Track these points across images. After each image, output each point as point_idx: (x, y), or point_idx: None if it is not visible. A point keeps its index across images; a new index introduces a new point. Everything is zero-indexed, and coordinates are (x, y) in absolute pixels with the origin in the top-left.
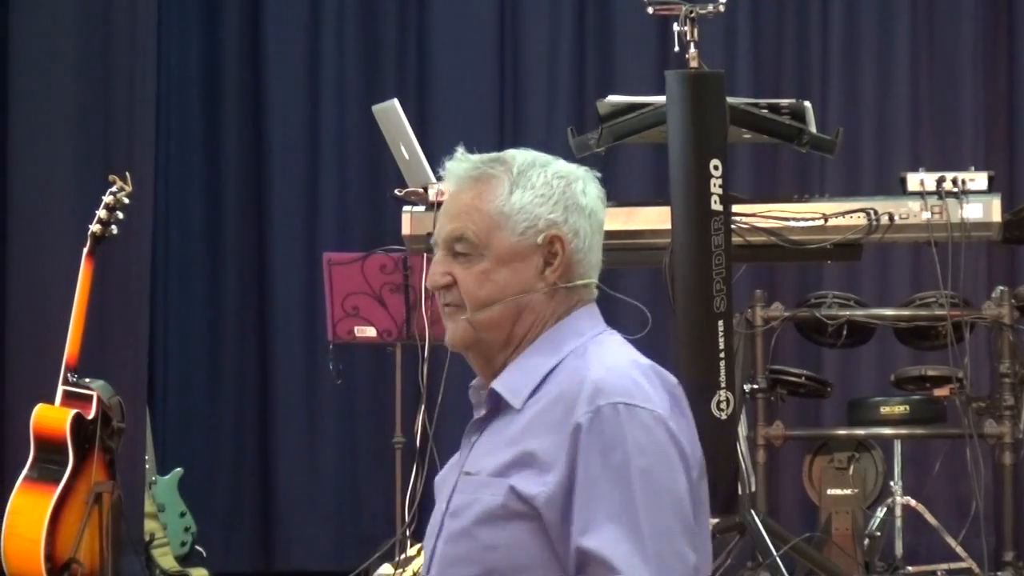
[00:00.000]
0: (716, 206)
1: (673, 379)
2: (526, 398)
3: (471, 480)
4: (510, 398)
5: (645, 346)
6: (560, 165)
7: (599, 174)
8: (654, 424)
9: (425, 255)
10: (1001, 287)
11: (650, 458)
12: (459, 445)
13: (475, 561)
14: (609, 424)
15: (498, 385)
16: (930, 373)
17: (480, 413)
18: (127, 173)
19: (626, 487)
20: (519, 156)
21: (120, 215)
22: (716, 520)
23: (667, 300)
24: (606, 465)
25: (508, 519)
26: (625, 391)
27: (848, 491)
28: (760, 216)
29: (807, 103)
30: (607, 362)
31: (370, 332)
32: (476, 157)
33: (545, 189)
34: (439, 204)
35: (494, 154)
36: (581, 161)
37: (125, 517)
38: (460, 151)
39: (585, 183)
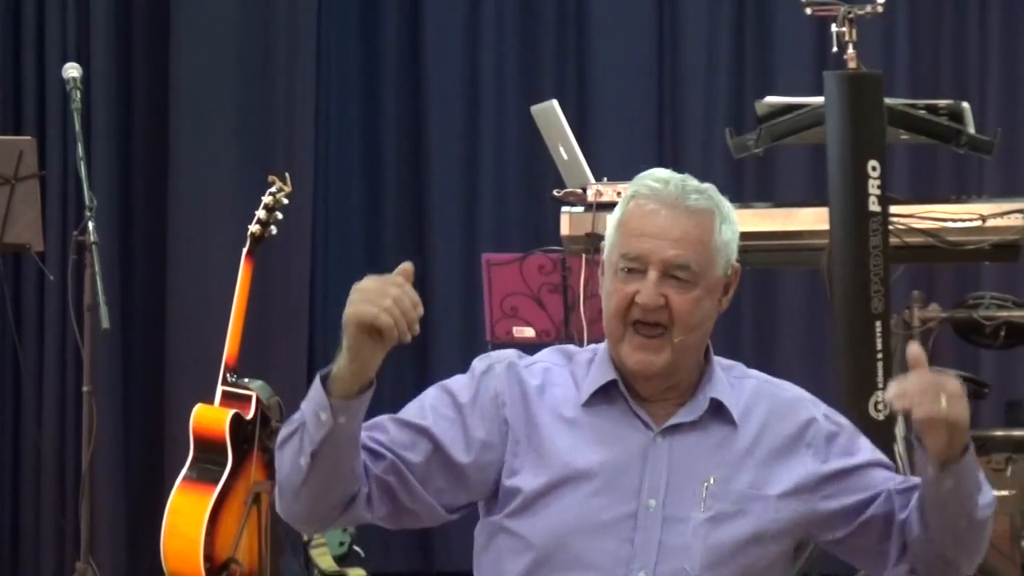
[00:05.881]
0: (874, 207)
1: None
2: (740, 414)
3: (735, 492)
4: (734, 413)
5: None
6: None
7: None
8: None
9: (584, 256)
10: None
11: None
12: None
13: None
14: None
15: (721, 396)
16: None
17: (690, 418)
18: (286, 174)
19: None
20: (714, 190)
21: (279, 215)
22: None
23: (825, 301)
24: None
25: (784, 536)
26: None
27: (1005, 492)
28: (917, 217)
29: (965, 104)
30: (777, 380)
31: (528, 332)
32: (684, 184)
33: (735, 225)
34: (598, 205)
35: (696, 183)
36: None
37: None
38: (662, 172)
39: None
